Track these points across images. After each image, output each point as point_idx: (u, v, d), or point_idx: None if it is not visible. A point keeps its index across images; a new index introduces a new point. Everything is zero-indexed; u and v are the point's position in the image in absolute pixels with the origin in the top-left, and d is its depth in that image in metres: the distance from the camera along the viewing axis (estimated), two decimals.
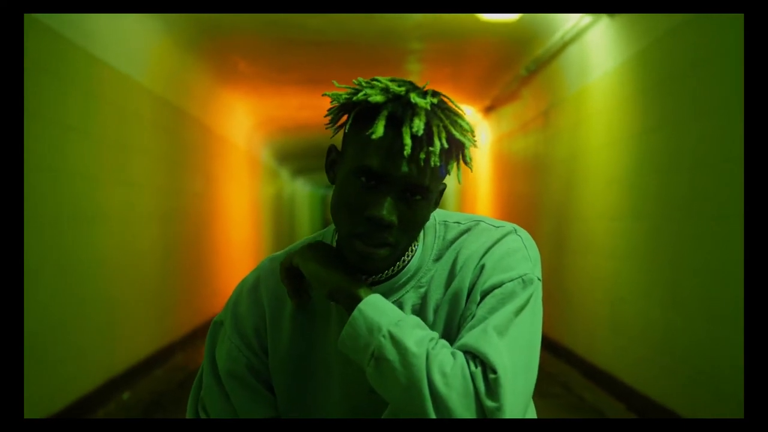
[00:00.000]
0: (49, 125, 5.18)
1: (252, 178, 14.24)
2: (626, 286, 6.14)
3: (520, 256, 1.43)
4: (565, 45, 7.41)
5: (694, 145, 4.89)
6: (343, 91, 1.40)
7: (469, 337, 1.34)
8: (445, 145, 1.35)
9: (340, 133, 1.43)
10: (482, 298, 1.39)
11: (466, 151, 1.40)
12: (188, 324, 8.86)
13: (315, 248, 1.44)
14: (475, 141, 1.41)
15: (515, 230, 1.47)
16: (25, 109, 4.59)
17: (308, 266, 1.41)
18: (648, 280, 5.69)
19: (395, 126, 1.34)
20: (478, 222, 1.49)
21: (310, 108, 11.85)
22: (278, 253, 1.57)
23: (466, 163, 1.41)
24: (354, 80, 1.40)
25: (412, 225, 1.38)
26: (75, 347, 5.62)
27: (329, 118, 1.42)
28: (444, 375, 1.29)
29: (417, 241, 1.47)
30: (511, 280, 1.39)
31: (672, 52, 5.25)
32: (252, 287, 1.53)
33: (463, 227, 1.49)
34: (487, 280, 1.40)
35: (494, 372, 1.30)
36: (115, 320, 6.52)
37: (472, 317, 1.38)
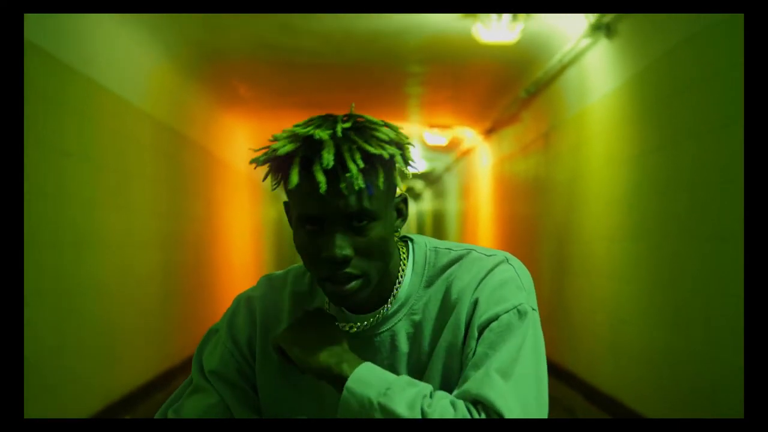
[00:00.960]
0: (47, 150, 5.19)
1: (253, 202, 14.25)
2: (627, 307, 6.12)
3: (513, 286, 1.43)
4: (564, 67, 7.43)
5: (692, 165, 4.89)
6: (260, 153, 1.40)
7: (472, 383, 1.33)
8: (361, 165, 1.34)
9: None
10: (480, 333, 1.39)
11: (396, 157, 1.39)
12: (189, 348, 8.82)
13: (296, 329, 1.44)
14: (406, 143, 1.40)
15: (507, 259, 1.46)
16: (24, 135, 4.59)
17: (293, 351, 1.41)
18: (649, 301, 5.67)
19: (310, 167, 1.34)
20: (469, 251, 1.49)
21: None
22: (276, 272, 1.60)
23: (406, 166, 1.41)
24: (270, 137, 1.41)
25: (370, 250, 1.38)
26: (74, 372, 5.60)
27: (268, 181, 1.43)
28: None
29: (404, 268, 1.48)
30: (506, 312, 1.39)
31: (669, 73, 5.25)
32: (248, 301, 1.57)
33: (454, 254, 1.49)
34: (483, 315, 1.40)
35: (500, 416, 1.29)
36: (115, 345, 6.50)
37: (473, 353, 1.38)
